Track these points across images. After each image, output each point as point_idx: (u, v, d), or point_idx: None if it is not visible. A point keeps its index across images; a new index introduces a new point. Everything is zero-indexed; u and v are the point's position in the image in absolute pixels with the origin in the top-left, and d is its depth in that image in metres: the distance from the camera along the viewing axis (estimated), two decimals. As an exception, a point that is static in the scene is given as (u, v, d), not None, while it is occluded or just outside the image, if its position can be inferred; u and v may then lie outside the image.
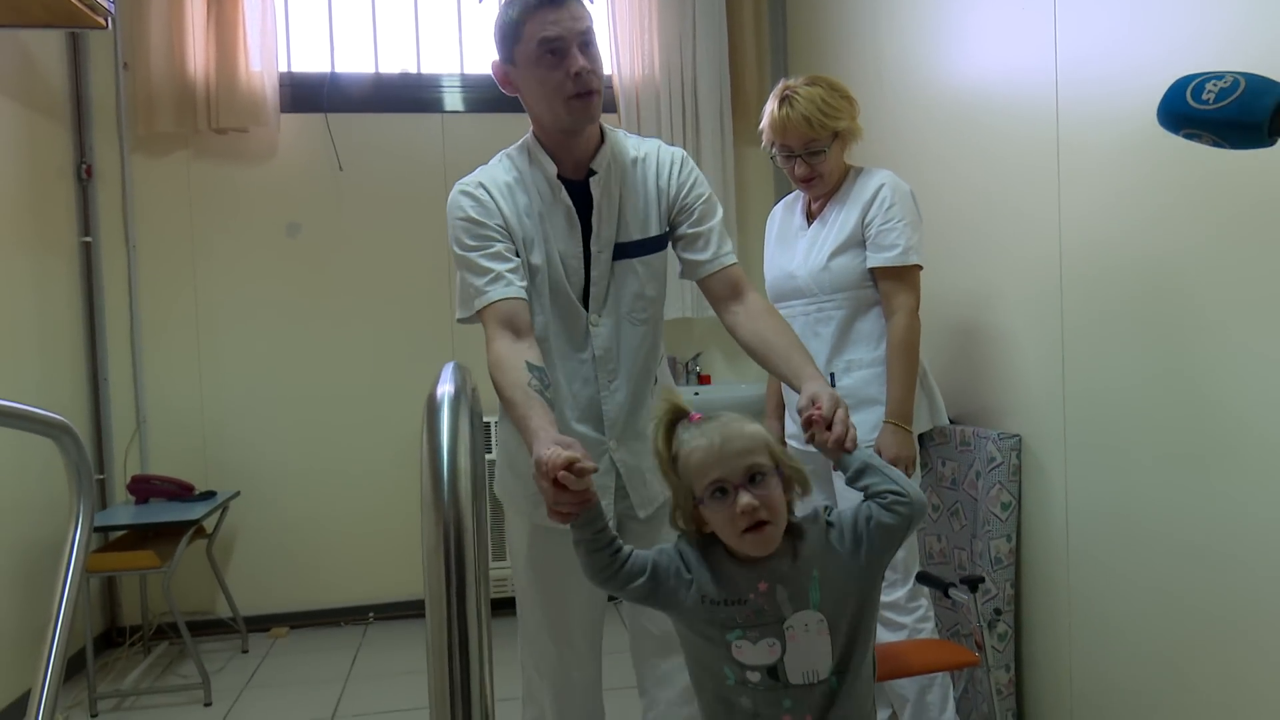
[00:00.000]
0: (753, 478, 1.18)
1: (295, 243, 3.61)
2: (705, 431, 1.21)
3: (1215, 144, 0.92)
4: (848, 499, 1.47)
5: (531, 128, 1.66)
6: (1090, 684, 2.10)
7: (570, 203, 1.63)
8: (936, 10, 2.65)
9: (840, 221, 2.19)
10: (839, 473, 1.30)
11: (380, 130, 3.66)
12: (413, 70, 3.73)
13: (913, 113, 2.79)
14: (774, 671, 1.19)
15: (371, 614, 3.65)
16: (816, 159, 2.14)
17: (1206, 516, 1.74)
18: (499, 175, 1.65)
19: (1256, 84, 0.88)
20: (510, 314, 1.53)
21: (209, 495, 3.29)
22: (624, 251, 1.66)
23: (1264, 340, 1.60)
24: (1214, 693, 1.75)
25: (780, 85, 2.16)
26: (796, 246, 2.28)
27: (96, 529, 2.97)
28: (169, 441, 3.52)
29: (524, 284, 1.58)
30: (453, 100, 3.75)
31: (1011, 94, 2.30)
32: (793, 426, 2.30)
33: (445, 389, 0.80)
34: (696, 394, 3.58)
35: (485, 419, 2.98)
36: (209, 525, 3.27)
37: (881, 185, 2.16)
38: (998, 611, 2.27)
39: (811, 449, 1.39)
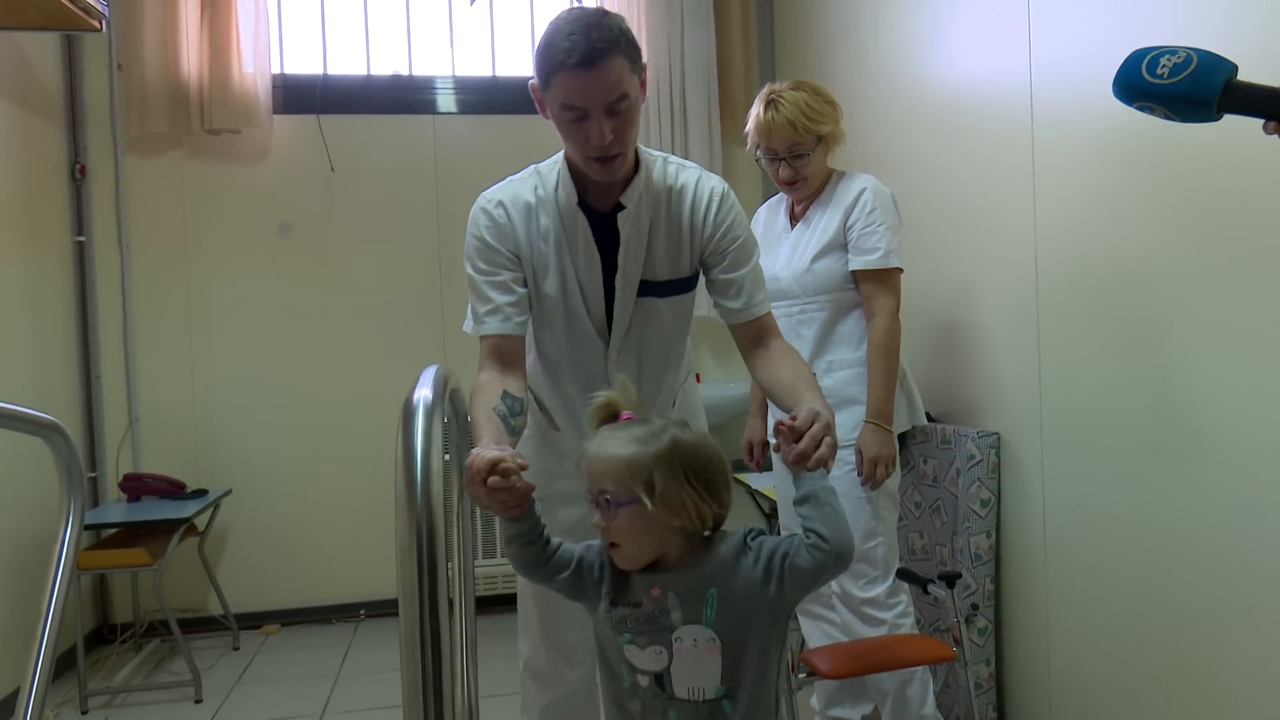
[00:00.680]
0: (602, 501, 1.18)
1: (287, 243, 3.64)
2: (593, 439, 1.20)
3: (1166, 117, 0.95)
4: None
5: (563, 147, 1.60)
6: (1069, 677, 2.14)
7: (591, 235, 1.58)
8: (919, 15, 2.68)
9: (823, 225, 2.23)
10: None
11: (372, 131, 3.69)
12: (404, 72, 3.76)
13: (895, 115, 2.83)
14: (660, 680, 1.18)
15: (363, 611, 3.68)
16: (800, 162, 2.18)
17: (1180, 510, 1.78)
18: (522, 194, 1.60)
19: (1207, 61, 0.91)
20: (502, 349, 1.55)
21: (201, 493, 3.31)
22: (650, 289, 1.61)
23: (1232, 336, 1.64)
24: (1188, 683, 1.79)
25: (765, 89, 2.20)
26: (780, 249, 2.31)
27: (88, 527, 3.00)
28: (161, 440, 3.54)
29: (523, 319, 1.57)
30: (445, 102, 3.78)
31: (988, 97, 2.34)
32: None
33: (421, 394, 0.83)
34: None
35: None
36: (200, 523, 3.29)
37: (863, 189, 2.20)
38: (975, 606, 2.31)
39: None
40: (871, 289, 2.19)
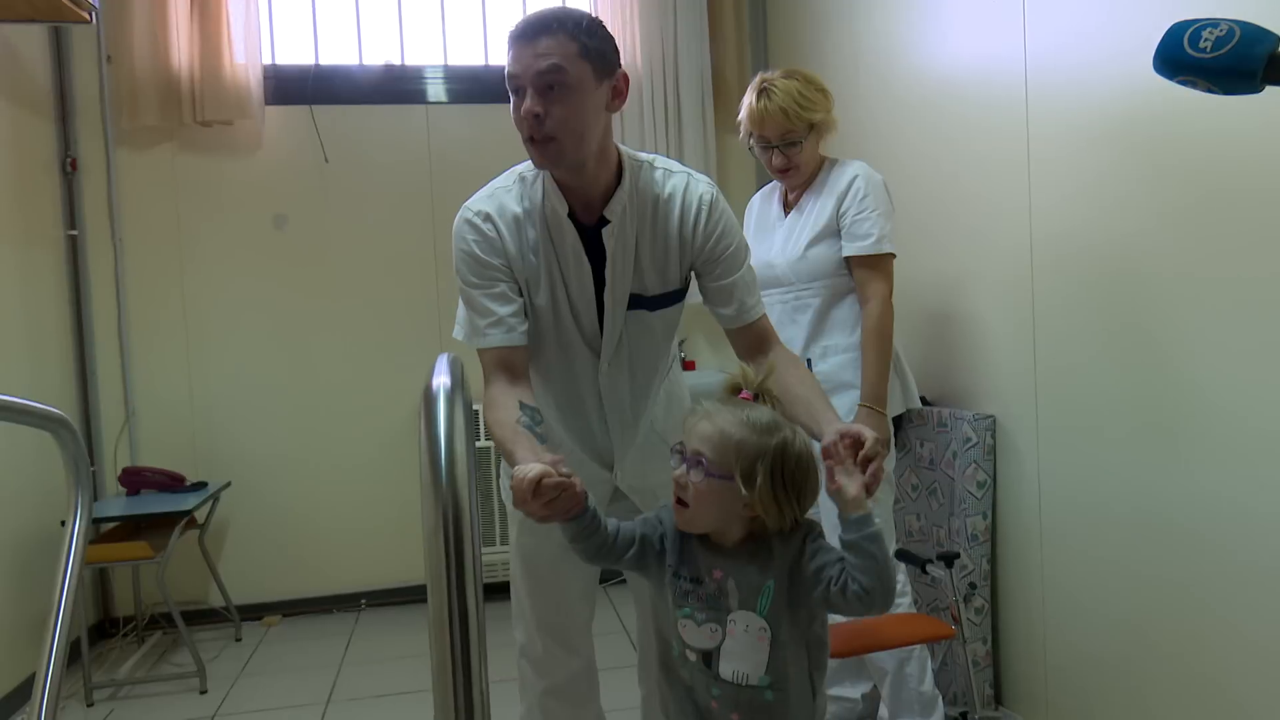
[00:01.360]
0: (693, 459, 1.22)
1: (282, 235, 3.64)
2: (719, 405, 1.25)
3: (1209, 90, 0.93)
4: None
5: None
6: (1063, 654, 2.18)
7: (582, 249, 1.54)
8: (913, 1, 2.69)
9: (816, 212, 2.25)
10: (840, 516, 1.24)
11: (365, 122, 3.69)
12: (396, 62, 3.75)
13: (889, 102, 2.85)
14: (708, 659, 1.22)
15: (364, 601, 3.70)
16: (793, 150, 2.20)
17: (1173, 492, 1.81)
18: (509, 205, 1.55)
19: (1250, 32, 0.89)
20: (508, 360, 1.52)
21: (200, 486, 3.32)
22: (641, 303, 1.59)
23: (1225, 321, 1.67)
24: (1182, 660, 1.82)
25: (758, 78, 2.21)
26: (774, 236, 2.34)
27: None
28: (159, 433, 3.55)
29: (525, 328, 1.54)
30: (437, 91, 3.78)
31: (984, 84, 2.36)
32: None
33: (441, 380, 0.85)
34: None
35: (475, 406, 3.03)
36: (200, 516, 3.31)
37: (855, 176, 2.22)
38: (973, 585, 2.35)
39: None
40: (865, 274, 2.21)
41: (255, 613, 3.60)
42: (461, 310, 1.63)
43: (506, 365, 1.52)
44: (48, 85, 3.38)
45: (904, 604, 2.21)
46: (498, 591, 3.59)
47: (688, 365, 3.91)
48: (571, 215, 1.53)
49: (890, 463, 2.24)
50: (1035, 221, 2.17)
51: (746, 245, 1.65)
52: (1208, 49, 0.90)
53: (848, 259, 2.22)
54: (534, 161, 1.49)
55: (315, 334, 3.66)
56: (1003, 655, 2.41)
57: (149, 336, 3.54)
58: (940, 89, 2.57)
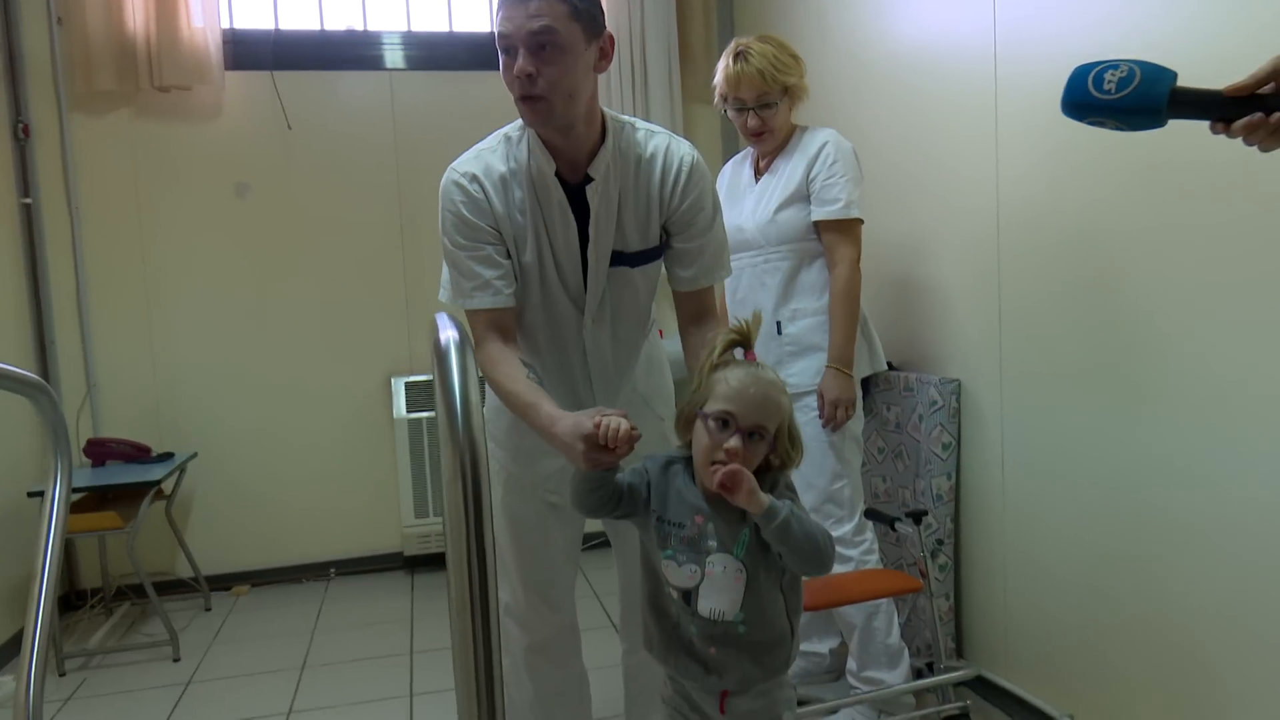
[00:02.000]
0: (752, 433, 1.27)
1: (245, 203, 3.59)
2: (752, 371, 1.30)
3: (1117, 128, 0.98)
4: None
5: None
6: (1024, 609, 2.27)
7: (568, 206, 1.57)
8: (878, -30, 2.72)
9: (786, 176, 2.30)
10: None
11: (327, 88, 3.64)
12: (358, 27, 3.70)
13: (856, 71, 2.88)
14: (687, 597, 1.30)
15: (333, 570, 3.71)
16: (767, 112, 2.24)
17: (1133, 452, 1.89)
18: (495, 165, 1.58)
19: (1150, 72, 0.94)
20: (498, 321, 1.56)
21: (168, 456, 3.29)
22: (622, 260, 1.62)
23: (1187, 282, 1.74)
24: (1134, 615, 1.91)
25: (733, 43, 2.25)
26: (745, 201, 2.37)
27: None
28: (121, 405, 3.50)
29: (512, 290, 1.58)
30: (397, 58, 3.73)
31: (953, 53, 2.40)
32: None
33: (449, 334, 0.87)
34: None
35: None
36: (167, 487, 3.28)
37: (825, 142, 2.27)
38: (940, 542, 2.43)
39: None
40: (833, 239, 2.26)
41: (224, 583, 3.59)
42: (446, 272, 1.65)
43: (498, 326, 1.56)
44: (-3, 48, 3.28)
45: (871, 561, 2.28)
46: (436, 563, 3.67)
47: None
48: (557, 174, 1.56)
49: (858, 425, 2.30)
50: (1002, 188, 2.23)
51: (720, 211, 1.69)
52: (1112, 90, 0.95)
53: (816, 223, 2.26)
54: (525, 120, 1.52)
55: (280, 302, 3.62)
56: (964, 610, 2.50)
57: (109, 306, 3.48)
58: (908, 58, 2.61)
